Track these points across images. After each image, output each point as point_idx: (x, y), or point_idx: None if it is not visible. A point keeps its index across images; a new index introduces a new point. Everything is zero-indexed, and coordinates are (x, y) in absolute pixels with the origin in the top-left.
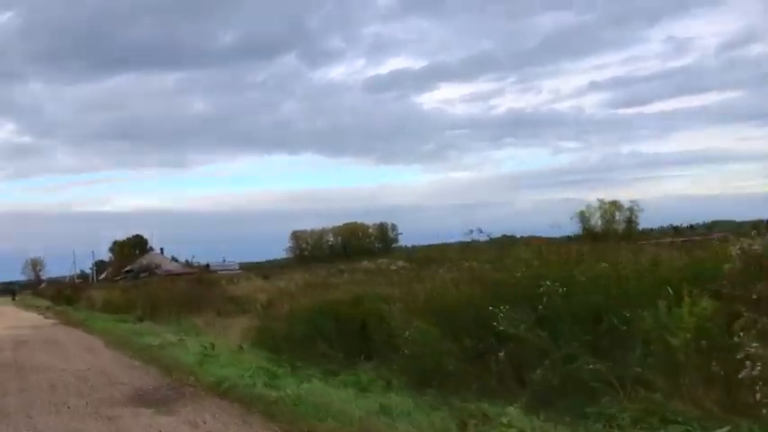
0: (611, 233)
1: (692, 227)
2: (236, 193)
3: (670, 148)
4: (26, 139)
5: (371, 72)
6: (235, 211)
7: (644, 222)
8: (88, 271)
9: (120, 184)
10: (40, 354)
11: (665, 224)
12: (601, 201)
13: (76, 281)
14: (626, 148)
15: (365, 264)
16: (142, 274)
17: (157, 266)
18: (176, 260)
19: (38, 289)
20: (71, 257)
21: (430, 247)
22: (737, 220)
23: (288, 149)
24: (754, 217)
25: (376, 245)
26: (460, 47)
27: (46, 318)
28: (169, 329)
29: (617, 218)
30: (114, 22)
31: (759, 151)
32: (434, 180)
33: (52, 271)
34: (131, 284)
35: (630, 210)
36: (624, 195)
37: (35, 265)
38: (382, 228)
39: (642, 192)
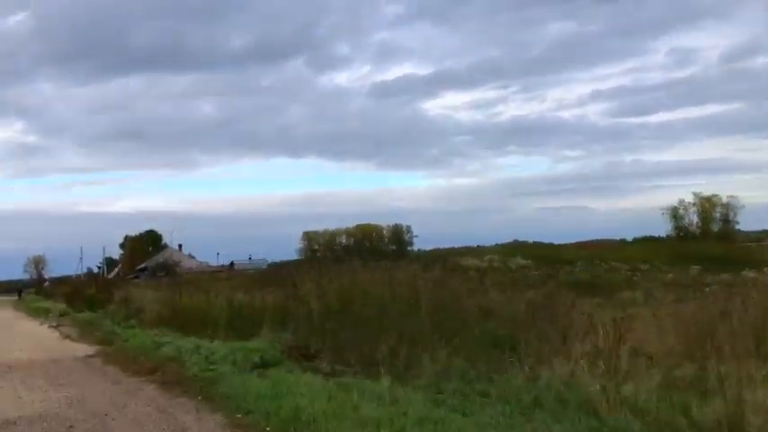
0: (709, 233)
1: None
2: (241, 195)
3: (672, 158)
4: (34, 138)
5: (378, 78)
6: (241, 213)
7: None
8: (95, 270)
9: (127, 185)
10: None
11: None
12: (696, 195)
13: (82, 279)
14: (628, 158)
15: (470, 260)
16: (159, 272)
17: (176, 264)
18: (193, 257)
19: (42, 287)
20: (75, 256)
21: (547, 245)
22: (742, 230)
23: (293, 153)
24: (758, 228)
25: (390, 247)
26: (466, 55)
27: (65, 336)
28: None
29: (714, 215)
30: (124, 24)
31: (760, 162)
32: (438, 186)
33: (55, 270)
34: (172, 282)
35: (727, 206)
36: (625, 205)
37: (37, 262)
38: (396, 230)
39: (644, 201)
